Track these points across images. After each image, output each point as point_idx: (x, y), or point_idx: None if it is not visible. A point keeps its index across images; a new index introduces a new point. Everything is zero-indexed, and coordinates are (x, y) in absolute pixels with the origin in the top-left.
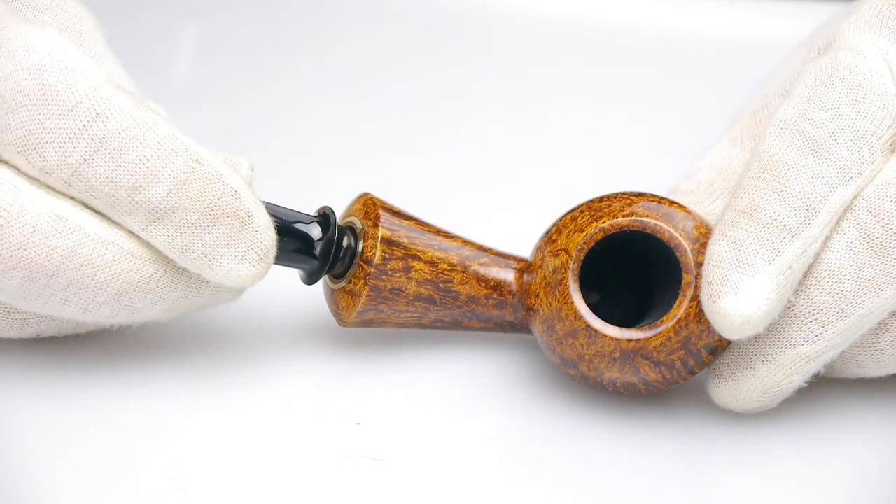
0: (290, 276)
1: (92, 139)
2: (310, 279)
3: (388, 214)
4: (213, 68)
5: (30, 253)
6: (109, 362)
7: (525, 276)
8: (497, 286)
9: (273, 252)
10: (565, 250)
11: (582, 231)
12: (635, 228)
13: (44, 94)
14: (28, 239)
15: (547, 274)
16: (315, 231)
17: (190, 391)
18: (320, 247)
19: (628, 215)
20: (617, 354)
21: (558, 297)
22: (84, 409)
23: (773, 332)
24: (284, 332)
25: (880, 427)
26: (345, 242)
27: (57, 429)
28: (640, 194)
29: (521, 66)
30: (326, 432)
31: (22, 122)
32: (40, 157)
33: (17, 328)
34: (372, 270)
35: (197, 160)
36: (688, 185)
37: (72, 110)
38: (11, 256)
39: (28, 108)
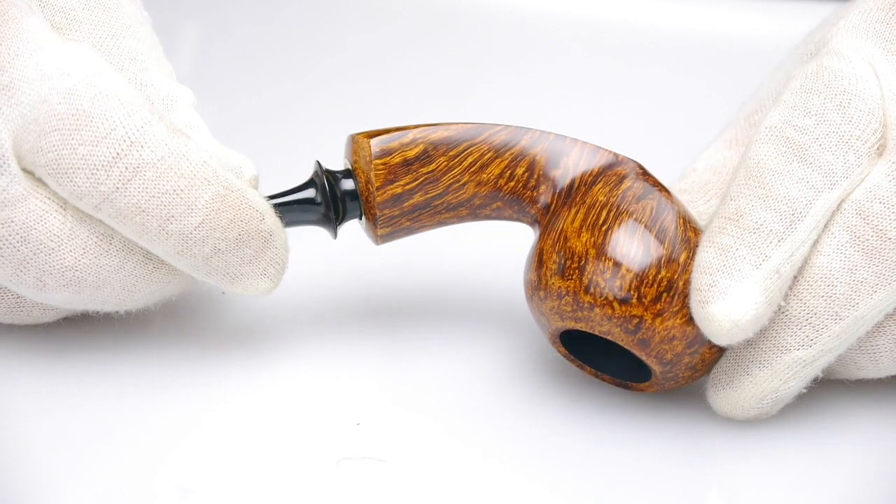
0: (290, 276)
1: (126, 168)
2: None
3: (388, 201)
4: (213, 68)
5: (80, 273)
6: (108, 361)
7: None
8: (509, 217)
9: (287, 265)
10: (548, 320)
11: (561, 320)
12: (607, 338)
13: (77, 120)
14: (79, 260)
15: (535, 314)
16: (311, 192)
17: (189, 391)
18: (322, 204)
19: (605, 331)
20: (597, 380)
21: (546, 335)
22: (82, 406)
23: (768, 337)
24: (284, 331)
25: (880, 427)
26: (342, 187)
27: (56, 427)
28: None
29: (523, 65)
30: (326, 432)
31: (54, 146)
32: (71, 182)
33: (51, 315)
34: (377, 243)
35: (228, 187)
36: (682, 185)
37: (105, 137)
38: (62, 277)
39: (61, 132)
